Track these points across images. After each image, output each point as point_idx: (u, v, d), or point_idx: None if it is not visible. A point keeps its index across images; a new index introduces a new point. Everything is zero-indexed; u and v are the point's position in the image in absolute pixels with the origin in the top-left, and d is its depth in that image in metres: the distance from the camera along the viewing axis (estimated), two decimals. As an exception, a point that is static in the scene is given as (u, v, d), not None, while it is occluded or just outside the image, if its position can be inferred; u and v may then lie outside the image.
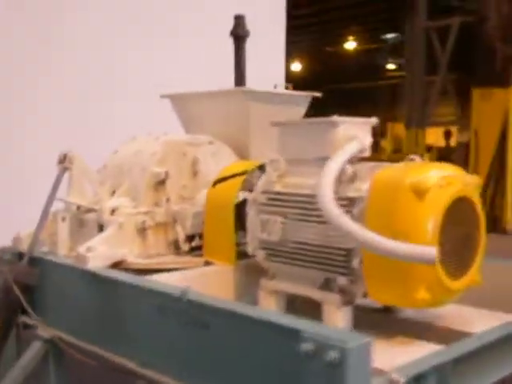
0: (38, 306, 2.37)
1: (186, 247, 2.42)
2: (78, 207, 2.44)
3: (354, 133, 1.98)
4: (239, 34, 2.92)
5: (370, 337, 1.42)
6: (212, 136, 2.72)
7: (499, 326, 1.90)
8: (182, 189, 2.53)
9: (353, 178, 1.88)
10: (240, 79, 2.95)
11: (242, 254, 2.24)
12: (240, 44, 2.94)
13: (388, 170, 1.84)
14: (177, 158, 2.52)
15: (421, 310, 2.10)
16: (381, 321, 2.04)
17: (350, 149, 1.90)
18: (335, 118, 1.98)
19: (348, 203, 1.85)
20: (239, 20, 2.93)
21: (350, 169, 1.88)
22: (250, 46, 2.97)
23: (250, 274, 2.21)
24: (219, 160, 2.63)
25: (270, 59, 5.80)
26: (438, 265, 1.73)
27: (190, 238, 2.43)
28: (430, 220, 1.71)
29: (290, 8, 5.97)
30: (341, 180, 1.88)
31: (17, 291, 2.20)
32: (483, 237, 1.91)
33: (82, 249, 2.17)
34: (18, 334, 2.44)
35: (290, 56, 7.48)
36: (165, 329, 1.81)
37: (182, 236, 2.41)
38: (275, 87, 2.76)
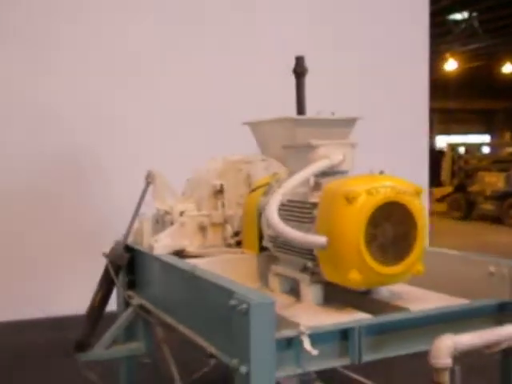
0: (133, 281, 3.29)
1: (232, 241, 3.17)
2: (159, 210, 3.31)
3: (328, 153, 2.58)
4: (299, 72, 3.59)
5: (292, 302, 2.06)
6: (275, 155, 3.42)
7: (430, 307, 2.38)
8: (239, 197, 3.27)
9: (316, 188, 2.49)
10: (301, 109, 3.61)
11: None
12: (300, 80, 3.60)
13: (338, 181, 2.43)
14: (234, 173, 3.28)
15: (392, 293, 2.62)
16: (355, 298, 2.58)
17: (316, 166, 2.51)
18: (313, 141, 2.60)
19: (311, 207, 2.47)
20: (299, 60, 3.60)
21: (313, 180, 2.49)
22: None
23: (268, 261, 2.89)
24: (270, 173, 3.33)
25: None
26: (367, 253, 2.28)
27: (236, 234, 3.18)
28: (356, 220, 2.27)
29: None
30: (309, 189, 2.51)
31: (110, 270, 3.13)
32: (421, 234, 2.39)
33: (152, 240, 3.04)
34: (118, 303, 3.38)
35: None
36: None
37: (230, 232, 3.17)
38: (332, 114, 3.33)
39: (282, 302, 2.58)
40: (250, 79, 5.95)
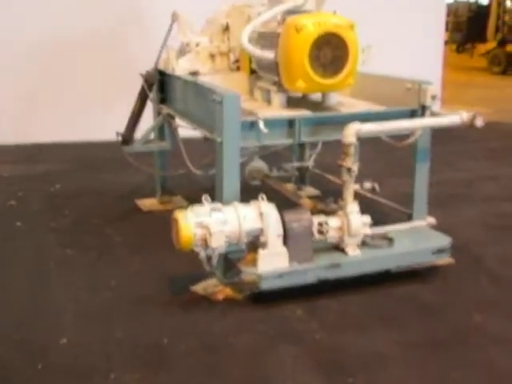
0: (165, 96, 4.43)
1: (234, 66, 4.23)
2: (182, 42, 4.37)
3: (295, -3, 3.53)
4: None
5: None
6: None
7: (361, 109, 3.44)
8: (240, 33, 4.27)
9: (282, 22, 3.48)
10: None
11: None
12: None
13: (295, 17, 3.40)
14: (238, 15, 4.27)
15: (338, 103, 3.67)
16: (310, 105, 3.64)
17: (283, 6, 3.48)
18: (284, -13, 3.55)
19: (277, 36, 3.47)
20: None
21: (279, 17, 3.48)
22: None
23: (256, 80, 3.95)
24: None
25: None
26: (309, 68, 3.31)
27: (237, 61, 4.23)
28: (302, 45, 3.27)
29: None
30: (277, 23, 3.51)
31: (145, 85, 4.27)
32: (352, 57, 3.37)
33: (174, 64, 4.14)
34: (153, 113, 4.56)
35: None
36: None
37: (232, 59, 4.22)
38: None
39: (257, 106, 3.68)
40: None
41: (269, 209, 3.11)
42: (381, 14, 7.18)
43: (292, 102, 3.67)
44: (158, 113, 4.49)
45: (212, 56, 4.24)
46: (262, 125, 3.19)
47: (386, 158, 5.87)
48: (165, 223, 3.32)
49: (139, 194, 5.01)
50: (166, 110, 4.37)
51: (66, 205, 4.81)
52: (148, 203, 4.88)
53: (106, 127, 6.56)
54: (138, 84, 4.40)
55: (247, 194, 3.25)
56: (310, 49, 3.29)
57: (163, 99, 4.44)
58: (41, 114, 6.97)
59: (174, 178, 4.78)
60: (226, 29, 4.25)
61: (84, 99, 6.94)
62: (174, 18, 4.30)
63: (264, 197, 3.14)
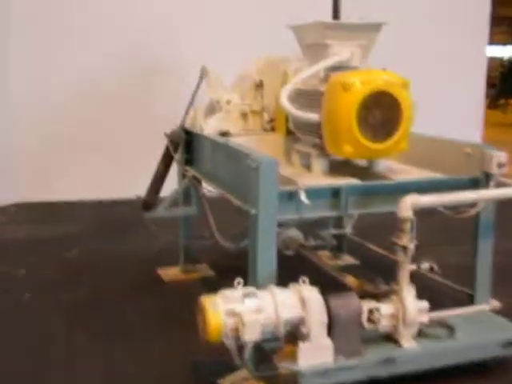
0: (191, 157, 4.05)
1: (268, 126, 3.84)
2: (211, 100, 4.01)
3: (338, 51, 3.16)
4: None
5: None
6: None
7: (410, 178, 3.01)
8: (276, 90, 3.91)
9: (325, 80, 3.10)
10: (336, 15, 4.14)
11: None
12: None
13: (341, 74, 3.02)
14: (272, 70, 3.91)
15: (387, 168, 3.25)
16: (355, 171, 3.22)
17: (326, 62, 3.10)
18: (327, 41, 3.18)
19: (320, 94, 3.09)
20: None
21: (323, 73, 3.10)
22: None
23: (293, 142, 3.55)
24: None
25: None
26: (358, 131, 2.90)
27: (271, 121, 3.85)
28: (349, 105, 2.88)
29: None
30: (319, 80, 3.12)
31: (170, 146, 3.90)
32: (406, 119, 2.96)
33: (202, 123, 3.77)
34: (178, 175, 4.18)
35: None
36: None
37: (266, 119, 3.84)
38: (361, 18, 3.81)
39: (295, 172, 3.27)
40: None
41: (311, 294, 2.65)
42: (419, 70, 6.81)
43: (334, 167, 3.26)
44: (183, 175, 4.10)
45: (244, 115, 3.88)
46: (303, 196, 2.77)
47: (424, 220, 5.39)
48: (188, 297, 2.93)
49: (161, 261, 4.60)
50: (192, 172, 3.99)
51: (80, 274, 4.40)
52: (170, 272, 4.45)
53: (129, 185, 6.30)
54: (163, 142, 4.04)
55: (280, 266, 2.82)
56: (359, 109, 2.89)
57: (189, 160, 4.06)
58: (63, 170, 6.66)
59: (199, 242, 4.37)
60: (259, 85, 3.89)
61: (107, 155, 6.64)
62: (203, 73, 3.96)
63: (306, 280, 2.69)
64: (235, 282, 2.62)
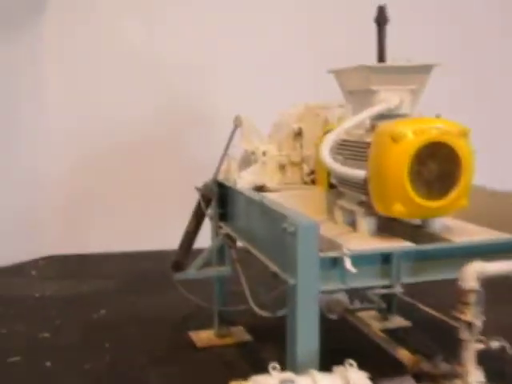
0: (225, 212, 3.73)
1: (308, 179, 3.51)
2: (246, 151, 3.71)
3: (386, 97, 2.82)
4: (380, 21, 3.78)
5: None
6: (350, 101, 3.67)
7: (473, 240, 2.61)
8: (316, 139, 3.59)
9: (372, 129, 2.76)
10: (381, 58, 3.80)
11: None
12: (381, 29, 3.78)
13: (389, 123, 2.67)
14: (312, 118, 3.60)
15: (443, 227, 2.85)
16: (407, 231, 2.85)
17: (373, 110, 2.77)
18: (373, 86, 2.85)
19: (365, 146, 2.75)
20: (381, 9, 3.78)
21: (369, 122, 2.76)
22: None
23: (336, 197, 3.20)
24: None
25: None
26: (410, 188, 2.54)
27: (312, 173, 3.51)
28: (400, 158, 2.52)
29: None
30: (365, 130, 2.78)
31: (201, 202, 3.59)
32: (466, 172, 2.59)
33: (236, 176, 3.45)
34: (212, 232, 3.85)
35: None
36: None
37: (306, 171, 3.51)
38: (408, 61, 3.50)
39: (340, 231, 2.91)
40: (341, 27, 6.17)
41: (360, 381, 2.26)
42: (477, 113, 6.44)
43: (382, 225, 2.89)
44: (216, 232, 3.78)
45: (281, 167, 3.56)
46: (348, 264, 2.40)
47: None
48: (223, 365, 2.69)
49: (193, 324, 4.27)
50: (225, 229, 3.66)
51: (106, 337, 4.08)
52: (204, 336, 4.11)
53: (160, 236, 6.06)
54: (195, 193, 3.74)
55: (322, 334, 2.44)
56: (411, 163, 2.54)
57: (223, 216, 3.74)
58: (92, 221, 6.45)
59: (233, 302, 4.01)
60: (298, 134, 3.58)
61: (137, 206, 6.39)
62: (237, 123, 3.66)
63: (353, 363, 2.31)
64: (270, 367, 2.25)
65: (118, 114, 6.20)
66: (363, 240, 2.74)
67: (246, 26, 6.19)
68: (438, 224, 2.87)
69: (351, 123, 2.75)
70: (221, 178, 3.71)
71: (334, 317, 3.63)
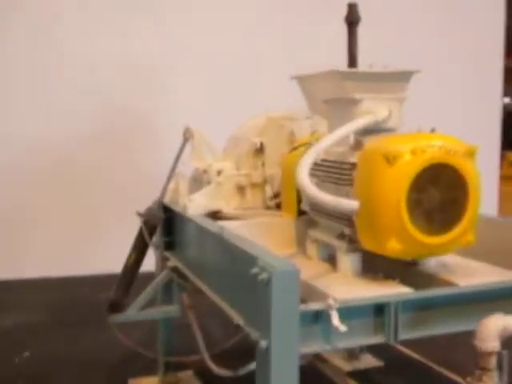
0: (173, 241, 3.15)
1: (272, 203, 2.97)
2: (197, 169, 3.14)
3: (372, 108, 2.32)
4: (350, 20, 3.29)
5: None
6: (324, 112, 3.17)
7: (480, 282, 2.12)
8: (280, 156, 3.06)
9: (357, 147, 2.25)
10: (352, 62, 3.32)
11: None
12: (352, 29, 3.30)
13: (380, 140, 2.17)
14: (276, 130, 3.06)
15: (440, 264, 2.37)
16: (398, 270, 2.35)
17: (357, 123, 2.26)
18: (356, 95, 2.34)
19: (350, 167, 2.23)
20: (352, 7, 3.30)
21: (353, 138, 2.25)
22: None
23: (307, 226, 2.68)
24: (317, 133, 3.09)
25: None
26: (408, 220, 2.04)
27: (276, 196, 2.97)
28: (397, 184, 2.02)
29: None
30: (349, 147, 2.27)
31: (144, 230, 3.00)
32: (473, 200, 2.12)
33: (185, 199, 2.88)
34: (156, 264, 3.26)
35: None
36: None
37: (269, 194, 2.97)
38: (385, 67, 3.05)
39: (316, 271, 2.39)
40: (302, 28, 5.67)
41: None
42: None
43: (365, 261, 2.39)
44: (161, 264, 3.20)
45: (240, 189, 3.01)
46: (336, 319, 1.87)
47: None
48: None
49: (135, 368, 3.66)
50: (173, 261, 3.08)
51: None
52: (146, 384, 3.51)
53: (94, 259, 5.43)
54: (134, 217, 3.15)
55: None
56: (410, 190, 2.04)
57: (171, 245, 3.17)
58: (18, 245, 5.71)
59: (182, 337, 3.42)
60: (260, 150, 3.04)
61: (69, 227, 5.71)
62: (187, 135, 3.10)
63: None
64: None
65: (43, 132, 5.51)
66: (349, 284, 2.22)
67: (199, 27, 5.60)
68: (433, 260, 2.38)
69: (332, 139, 2.22)
70: (168, 199, 3.14)
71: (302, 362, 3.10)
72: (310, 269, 2.39)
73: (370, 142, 2.18)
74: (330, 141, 2.22)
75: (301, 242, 2.71)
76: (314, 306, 1.91)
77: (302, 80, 3.32)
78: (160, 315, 3.24)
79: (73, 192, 5.66)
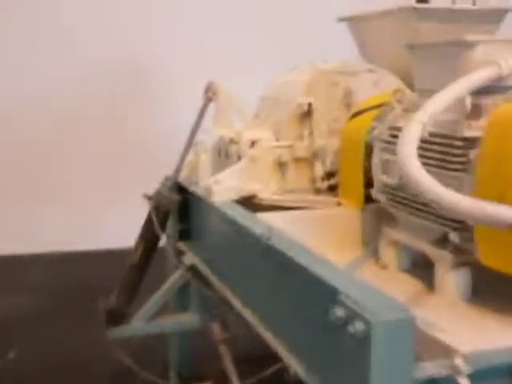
0: (187, 231, 2.46)
1: (323, 185, 2.25)
2: (222, 138, 2.41)
3: (495, 55, 1.58)
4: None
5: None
6: (388, 65, 2.43)
7: None
8: (333, 122, 2.33)
9: (475, 114, 1.51)
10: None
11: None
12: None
13: (515, 103, 1.44)
14: (327, 88, 2.33)
15: None
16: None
17: (476, 77, 1.51)
18: (470, 36, 1.59)
19: (463, 145, 1.50)
20: None
21: (470, 102, 1.51)
22: None
23: (378, 219, 1.96)
24: (383, 90, 2.35)
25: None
26: None
27: (329, 176, 2.25)
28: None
29: None
30: (459, 115, 1.53)
31: (154, 218, 2.28)
32: None
33: (210, 181, 2.16)
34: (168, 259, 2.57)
35: None
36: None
37: (319, 173, 2.24)
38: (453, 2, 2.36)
39: (403, 290, 1.67)
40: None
41: None
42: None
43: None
44: (176, 260, 2.50)
45: (281, 165, 2.28)
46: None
47: None
48: None
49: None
50: (190, 257, 2.38)
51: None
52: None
53: (100, 234, 4.84)
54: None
55: None
56: None
57: (186, 234, 2.47)
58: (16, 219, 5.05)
59: (198, 348, 2.77)
60: (307, 115, 2.30)
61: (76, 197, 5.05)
62: (211, 94, 2.36)
63: None
64: None
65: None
66: (464, 319, 1.50)
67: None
68: None
69: (444, 102, 1.47)
70: (184, 179, 2.43)
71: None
72: (393, 285, 1.67)
73: (502, 107, 1.44)
74: (442, 103, 1.47)
75: (368, 241, 1.99)
76: (435, 368, 1.20)
77: (356, 22, 2.61)
78: (173, 327, 2.54)
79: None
